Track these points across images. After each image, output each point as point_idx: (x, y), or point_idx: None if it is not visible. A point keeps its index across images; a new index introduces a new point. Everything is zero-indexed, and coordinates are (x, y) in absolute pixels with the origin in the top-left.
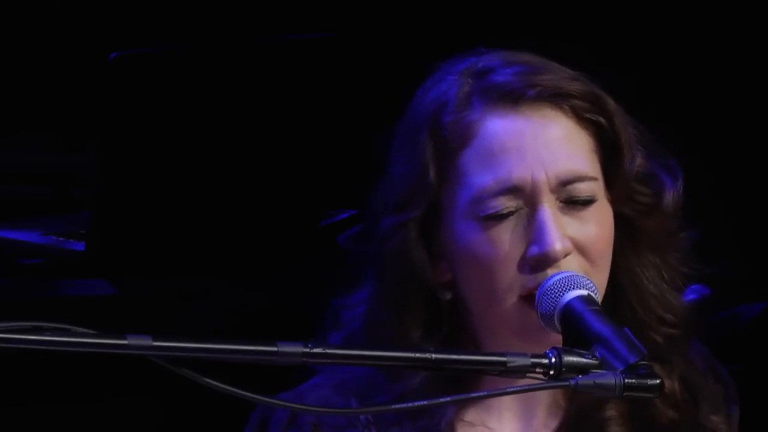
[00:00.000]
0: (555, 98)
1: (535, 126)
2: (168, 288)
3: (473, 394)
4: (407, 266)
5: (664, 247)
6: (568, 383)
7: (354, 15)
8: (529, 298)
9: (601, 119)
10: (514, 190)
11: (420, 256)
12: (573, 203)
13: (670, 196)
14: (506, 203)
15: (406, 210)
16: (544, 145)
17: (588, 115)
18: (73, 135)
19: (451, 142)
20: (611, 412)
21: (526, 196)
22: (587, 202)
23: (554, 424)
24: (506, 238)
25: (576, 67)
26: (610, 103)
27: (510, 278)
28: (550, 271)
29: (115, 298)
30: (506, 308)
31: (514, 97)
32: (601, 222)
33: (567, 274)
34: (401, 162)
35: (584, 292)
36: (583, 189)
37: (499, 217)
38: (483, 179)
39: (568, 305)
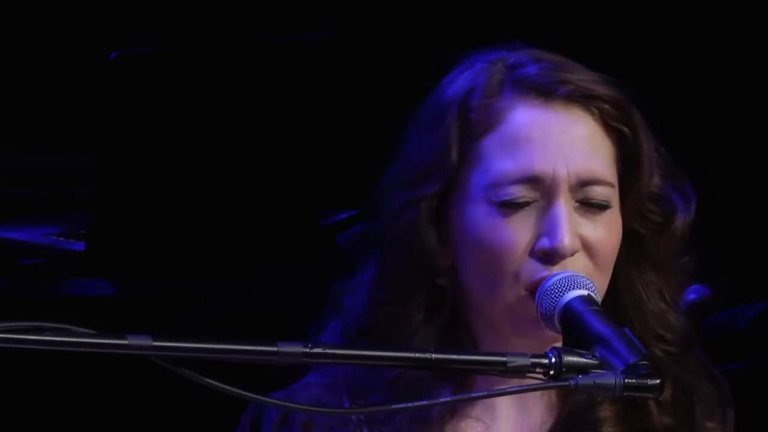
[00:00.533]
0: (585, 99)
1: (562, 122)
2: (168, 288)
3: (473, 395)
4: (415, 245)
5: (667, 267)
6: (568, 383)
7: (354, 15)
8: (530, 291)
9: (626, 129)
10: (533, 180)
11: (429, 235)
12: (588, 205)
13: (681, 220)
14: (523, 192)
15: (421, 186)
16: (569, 142)
17: (614, 123)
18: (73, 135)
19: (477, 125)
20: (605, 412)
21: (544, 189)
22: (602, 206)
23: (549, 422)
24: (518, 228)
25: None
26: (638, 116)
27: (515, 268)
28: (555, 268)
29: (115, 298)
30: (506, 299)
31: (546, 91)
32: (612, 229)
33: (567, 274)
34: (423, 140)
35: (584, 292)
36: (599, 192)
37: (514, 206)
38: (504, 165)
39: (568, 305)
